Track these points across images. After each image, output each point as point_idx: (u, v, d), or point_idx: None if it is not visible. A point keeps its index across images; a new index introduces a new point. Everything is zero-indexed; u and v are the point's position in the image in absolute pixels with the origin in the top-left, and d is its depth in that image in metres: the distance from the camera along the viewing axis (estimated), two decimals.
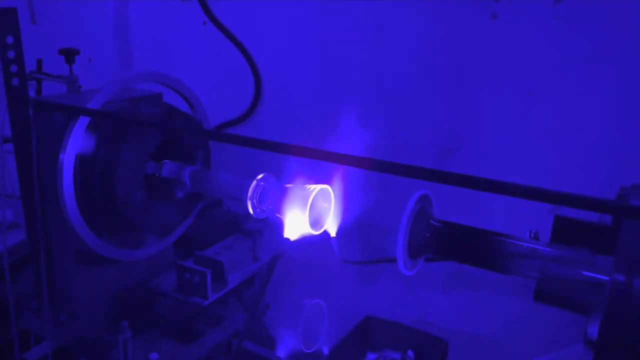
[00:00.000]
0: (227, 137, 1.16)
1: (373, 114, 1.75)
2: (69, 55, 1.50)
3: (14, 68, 1.27)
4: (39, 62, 1.63)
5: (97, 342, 1.40)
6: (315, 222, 1.08)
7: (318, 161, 0.93)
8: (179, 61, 2.19)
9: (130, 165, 1.30)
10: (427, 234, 1.03)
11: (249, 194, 1.15)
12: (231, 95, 2.13)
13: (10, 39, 1.25)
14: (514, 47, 1.61)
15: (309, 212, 1.06)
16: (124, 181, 1.29)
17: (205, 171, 1.32)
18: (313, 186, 1.07)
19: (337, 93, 1.88)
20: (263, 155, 0.99)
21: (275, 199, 1.13)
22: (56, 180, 1.26)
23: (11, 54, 1.26)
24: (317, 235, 1.10)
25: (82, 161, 1.29)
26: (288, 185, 1.10)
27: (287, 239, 1.07)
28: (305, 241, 1.08)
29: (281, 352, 1.39)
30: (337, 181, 1.09)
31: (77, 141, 1.27)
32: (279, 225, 1.09)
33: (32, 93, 1.52)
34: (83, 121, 1.27)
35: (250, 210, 1.17)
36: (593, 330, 0.80)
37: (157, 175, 1.33)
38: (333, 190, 1.10)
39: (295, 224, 1.07)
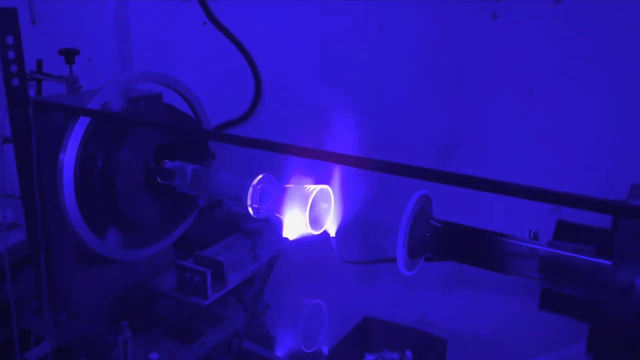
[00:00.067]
0: (227, 137, 1.16)
1: (373, 114, 1.76)
2: (69, 55, 1.50)
3: (14, 68, 1.27)
4: (39, 63, 1.63)
5: (97, 342, 1.40)
6: (315, 222, 1.08)
7: (318, 161, 0.93)
8: (179, 61, 2.19)
9: (130, 165, 1.30)
10: (427, 234, 1.03)
11: (249, 194, 1.15)
12: (231, 95, 2.13)
13: (10, 39, 1.25)
14: (514, 47, 1.61)
15: (309, 212, 1.06)
16: (124, 181, 1.29)
17: (205, 171, 1.32)
18: (313, 186, 1.07)
19: (337, 93, 1.87)
20: (263, 155, 0.99)
21: (275, 199, 1.13)
22: (56, 180, 1.26)
23: (11, 54, 1.26)
24: (316, 235, 1.10)
25: (82, 161, 1.29)
26: (288, 186, 1.10)
27: (287, 239, 1.07)
28: (305, 241, 1.08)
29: (281, 352, 1.38)
30: (337, 181, 1.09)
31: (77, 141, 1.27)
32: (278, 225, 1.09)
33: (32, 93, 1.52)
34: (83, 121, 1.27)
35: (250, 211, 1.17)
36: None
37: (156, 175, 1.33)
38: (333, 190, 1.10)
39: (295, 224, 1.07)
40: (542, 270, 0.90)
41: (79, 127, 1.27)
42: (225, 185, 1.26)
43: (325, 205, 1.10)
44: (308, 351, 1.35)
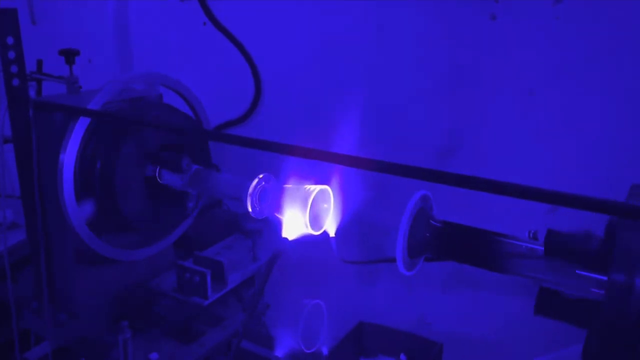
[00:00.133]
0: (227, 137, 1.17)
1: (373, 114, 1.76)
2: (69, 55, 1.50)
3: (14, 69, 1.28)
4: (39, 63, 1.64)
5: (97, 342, 1.40)
6: (314, 222, 1.08)
7: (318, 161, 0.93)
8: (178, 61, 2.19)
9: (130, 165, 1.30)
10: (427, 234, 1.03)
11: (249, 193, 1.15)
12: (231, 95, 2.13)
13: (10, 40, 1.26)
14: (514, 48, 1.61)
15: (309, 212, 1.06)
16: (123, 181, 1.29)
17: (205, 171, 1.32)
18: (313, 186, 1.07)
19: (337, 93, 1.88)
20: (263, 155, 0.99)
21: (275, 199, 1.13)
22: (56, 180, 1.26)
23: (11, 54, 1.26)
24: (316, 236, 1.10)
25: (82, 161, 1.29)
26: (288, 186, 1.10)
27: (287, 239, 1.07)
28: (304, 241, 1.08)
29: (280, 352, 1.39)
30: (337, 181, 1.09)
31: (77, 141, 1.27)
32: (278, 225, 1.10)
33: (32, 94, 1.52)
34: (83, 122, 1.27)
35: (250, 210, 1.17)
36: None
37: (156, 175, 1.33)
38: (332, 191, 1.10)
39: (295, 224, 1.07)
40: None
41: (79, 127, 1.27)
42: (225, 185, 1.26)
43: (325, 205, 1.10)
44: (308, 351, 1.35)
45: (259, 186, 1.16)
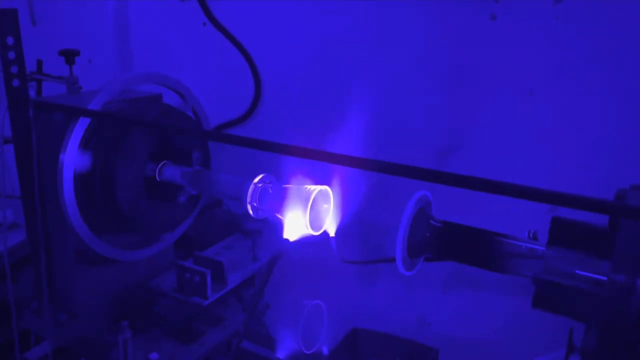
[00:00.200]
0: (227, 138, 1.17)
1: (373, 114, 1.76)
2: (69, 56, 1.50)
3: (14, 69, 1.28)
4: (39, 63, 1.64)
5: (97, 342, 1.40)
6: (314, 223, 1.08)
7: (318, 161, 0.93)
8: (178, 61, 2.19)
9: (130, 166, 1.30)
10: (427, 234, 1.03)
11: (249, 194, 1.15)
12: (231, 95, 2.13)
13: (10, 40, 1.26)
14: (514, 48, 1.61)
15: (309, 212, 1.06)
16: (123, 182, 1.29)
17: (205, 171, 1.32)
18: (313, 187, 1.07)
19: (337, 93, 1.88)
20: (263, 155, 0.99)
21: (275, 200, 1.13)
22: (56, 180, 1.26)
23: (11, 55, 1.26)
24: (316, 236, 1.10)
25: (82, 161, 1.29)
26: (288, 186, 1.10)
27: (287, 239, 1.07)
28: (304, 241, 1.08)
29: (281, 353, 1.38)
30: (337, 181, 1.09)
31: (77, 141, 1.27)
32: (278, 226, 1.10)
33: (32, 94, 1.52)
34: (83, 122, 1.27)
35: (250, 211, 1.17)
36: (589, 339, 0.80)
37: (156, 175, 1.33)
38: (332, 191, 1.10)
39: (295, 225, 1.07)
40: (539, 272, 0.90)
41: (79, 127, 1.27)
42: (225, 185, 1.26)
43: (325, 205, 1.10)
44: (308, 352, 1.35)
45: (258, 186, 1.16)
